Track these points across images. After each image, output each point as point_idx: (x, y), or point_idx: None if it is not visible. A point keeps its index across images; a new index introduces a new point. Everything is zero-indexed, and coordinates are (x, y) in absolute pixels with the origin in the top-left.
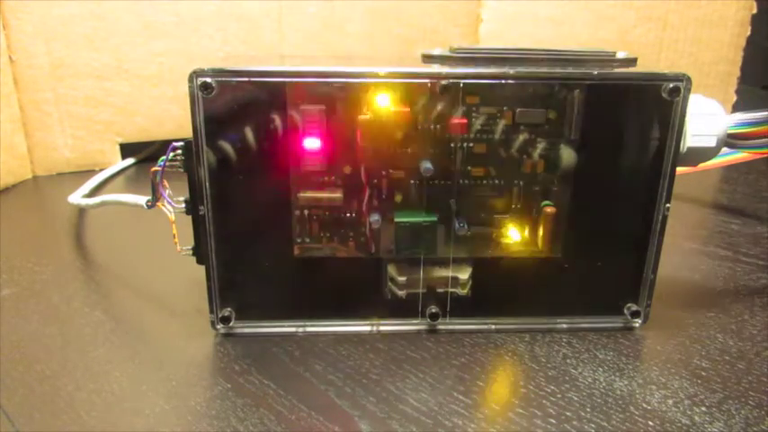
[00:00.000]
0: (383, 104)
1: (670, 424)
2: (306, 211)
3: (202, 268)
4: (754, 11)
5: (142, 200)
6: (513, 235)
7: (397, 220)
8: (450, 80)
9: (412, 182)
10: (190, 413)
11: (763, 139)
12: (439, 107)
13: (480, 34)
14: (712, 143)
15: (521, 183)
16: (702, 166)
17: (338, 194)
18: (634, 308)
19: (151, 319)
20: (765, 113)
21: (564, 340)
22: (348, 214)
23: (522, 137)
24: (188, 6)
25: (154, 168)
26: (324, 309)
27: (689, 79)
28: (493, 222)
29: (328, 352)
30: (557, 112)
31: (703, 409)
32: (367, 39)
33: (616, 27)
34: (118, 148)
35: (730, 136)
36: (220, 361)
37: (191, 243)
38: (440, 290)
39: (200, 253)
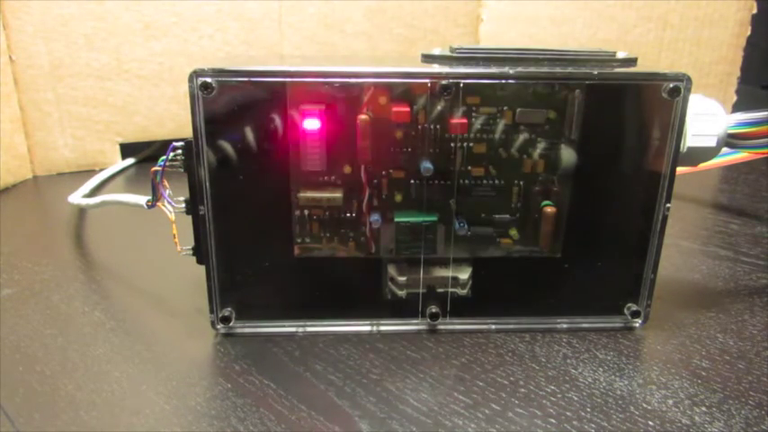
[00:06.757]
0: (383, 104)
1: (670, 424)
2: (306, 211)
3: (202, 268)
4: (754, 11)
5: (142, 200)
6: (513, 235)
7: (397, 220)
8: (450, 80)
9: (412, 182)
10: (190, 413)
11: (763, 139)
12: (439, 107)
13: (480, 34)
14: (712, 143)
15: (521, 183)
16: (702, 166)
17: (338, 194)
18: (634, 308)
19: (151, 319)
20: (765, 113)
21: (564, 340)
22: (348, 214)
23: (522, 137)
24: (188, 6)
25: (154, 168)
26: (324, 309)
27: (689, 79)
28: (493, 222)
29: (328, 352)
30: (557, 112)
31: (703, 409)
32: (367, 39)
33: (616, 27)
34: (118, 148)
35: (730, 136)
36: (220, 361)
37: (191, 243)
38: (440, 290)
39: (200, 253)
